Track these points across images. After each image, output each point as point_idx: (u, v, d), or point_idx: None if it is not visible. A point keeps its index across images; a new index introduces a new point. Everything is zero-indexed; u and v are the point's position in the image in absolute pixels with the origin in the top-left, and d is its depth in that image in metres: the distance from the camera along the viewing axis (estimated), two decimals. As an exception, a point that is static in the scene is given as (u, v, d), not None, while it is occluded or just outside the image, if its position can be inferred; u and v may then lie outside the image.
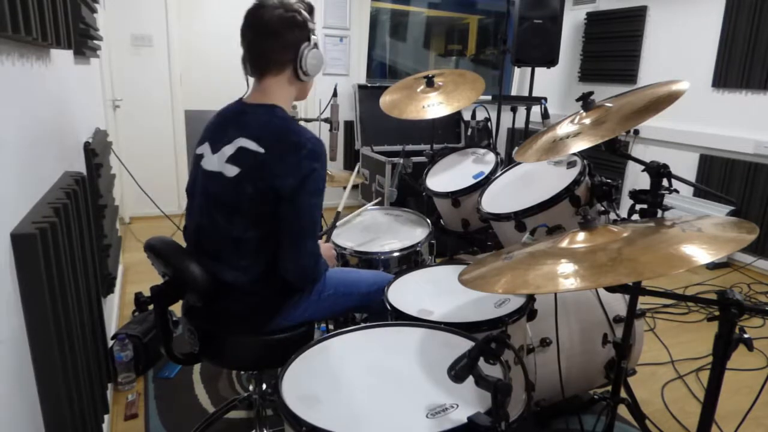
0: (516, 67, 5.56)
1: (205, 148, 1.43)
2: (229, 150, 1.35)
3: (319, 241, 1.72)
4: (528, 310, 1.39)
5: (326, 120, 2.52)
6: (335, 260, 1.75)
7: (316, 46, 1.39)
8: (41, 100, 1.28)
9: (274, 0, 1.34)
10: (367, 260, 1.89)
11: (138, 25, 4.08)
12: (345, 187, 2.16)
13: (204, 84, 4.49)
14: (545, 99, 3.70)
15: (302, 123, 1.91)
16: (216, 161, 1.37)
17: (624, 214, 1.49)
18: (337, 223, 2.02)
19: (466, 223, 2.13)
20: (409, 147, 3.14)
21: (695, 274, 3.62)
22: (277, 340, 1.44)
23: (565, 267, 0.98)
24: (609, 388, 1.70)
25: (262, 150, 1.31)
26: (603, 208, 1.71)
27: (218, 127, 1.43)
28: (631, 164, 4.57)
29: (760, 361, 2.51)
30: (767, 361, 2.51)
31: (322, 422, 0.89)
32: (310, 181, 1.31)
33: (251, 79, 1.44)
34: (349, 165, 5.02)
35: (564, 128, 1.50)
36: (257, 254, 1.37)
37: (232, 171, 1.34)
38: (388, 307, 1.38)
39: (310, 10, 1.42)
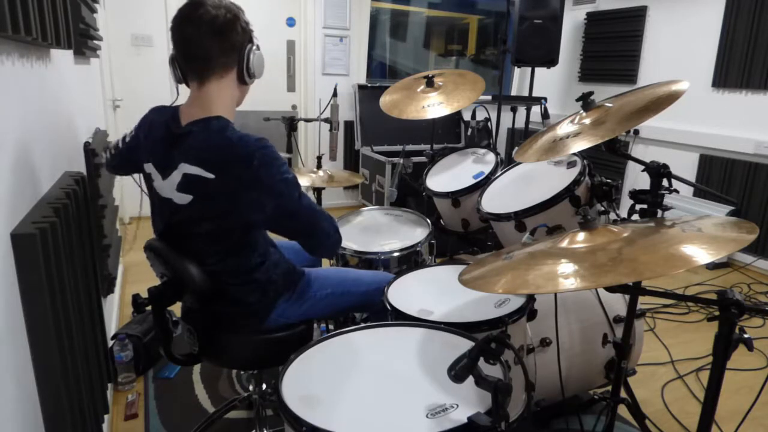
0: (516, 67, 5.56)
1: (151, 168, 1.35)
2: (176, 176, 1.28)
3: None
4: (528, 310, 1.39)
5: (326, 120, 2.52)
6: None
7: (259, 48, 1.36)
8: (41, 100, 1.28)
9: (212, 0, 1.27)
10: (367, 260, 1.89)
11: (138, 25, 4.08)
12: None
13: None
14: (545, 99, 3.70)
15: (302, 123, 1.91)
16: (167, 188, 1.30)
17: (624, 214, 1.49)
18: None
19: (466, 223, 2.13)
20: (409, 147, 3.14)
21: (695, 274, 3.62)
22: (276, 338, 1.44)
23: (565, 267, 0.98)
24: (609, 388, 1.70)
25: (211, 176, 1.23)
26: (603, 208, 1.71)
27: (160, 146, 1.33)
28: (631, 164, 4.57)
29: (760, 361, 2.51)
30: (767, 361, 2.51)
31: (322, 422, 0.89)
32: (282, 187, 1.26)
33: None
34: (349, 165, 5.02)
35: (564, 128, 1.50)
36: (227, 261, 1.35)
37: (183, 199, 1.28)
38: (388, 307, 1.38)
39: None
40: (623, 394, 1.72)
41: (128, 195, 4.14)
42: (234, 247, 1.33)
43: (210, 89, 1.31)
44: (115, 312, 2.59)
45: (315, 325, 1.54)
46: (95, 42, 2.31)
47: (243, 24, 1.31)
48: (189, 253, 1.33)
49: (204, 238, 1.32)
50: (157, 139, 1.34)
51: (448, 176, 2.26)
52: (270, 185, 1.24)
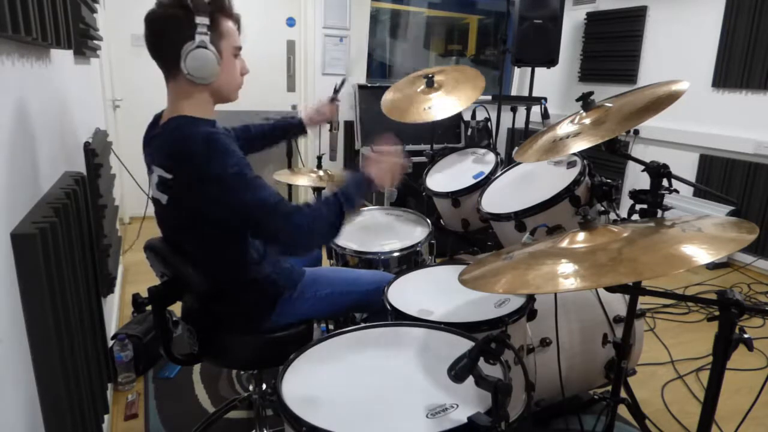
0: (516, 67, 5.55)
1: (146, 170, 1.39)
2: (153, 178, 1.30)
3: (378, 151, 1.52)
4: (528, 310, 1.39)
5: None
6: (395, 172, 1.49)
7: (203, 45, 1.20)
8: (41, 101, 1.28)
9: None
10: (367, 260, 1.89)
11: (138, 25, 3.98)
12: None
13: (204, 84, 4.49)
14: (545, 99, 3.70)
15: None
16: (152, 189, 1.33)
17: (624, 214, 1.49)
18: None
19: (466, 223, 2.13)
20: (409, 147, 3.14)
21: (695, 274, 3.62)
22: (276, 338, 1.44)
23: (565, 267, 0.98)
24: (609, 388, 1.70)
25: (169, 176, 1.22)
26: (603, 208, 1.70)
27: (145, 148, 1.37)
28: (631, 164, 4.57)
29: (760, 361, 2.51)
30: (767, 361, 2.51)
31: (322, 422, 0.89)
32: (229, 181, 1.16)
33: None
34: (349, 165, 5.01)
35: (564, 128, 1.50)
36: (223, 259, 1.36)
37: (163, 198, 1.29)
38: (388, 307, 1.38)
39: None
40: (623, 394, 1.72)
41: (128, 195, 4.14)
42: (226, 245, 1.34)
43: (170, 89, 1.30)
44: (115, 312, 2.59)
45: (315, 325, 1.54)
46: (95, 42, 2.31)
47: (186, 19, 1.19)
48: (187, 253, 1.34)
49: (194, 237, 1.33)
50: (144, 142, 1.39)
51: (448, 176, 2.26)
52: (215, 179, 1.16)
